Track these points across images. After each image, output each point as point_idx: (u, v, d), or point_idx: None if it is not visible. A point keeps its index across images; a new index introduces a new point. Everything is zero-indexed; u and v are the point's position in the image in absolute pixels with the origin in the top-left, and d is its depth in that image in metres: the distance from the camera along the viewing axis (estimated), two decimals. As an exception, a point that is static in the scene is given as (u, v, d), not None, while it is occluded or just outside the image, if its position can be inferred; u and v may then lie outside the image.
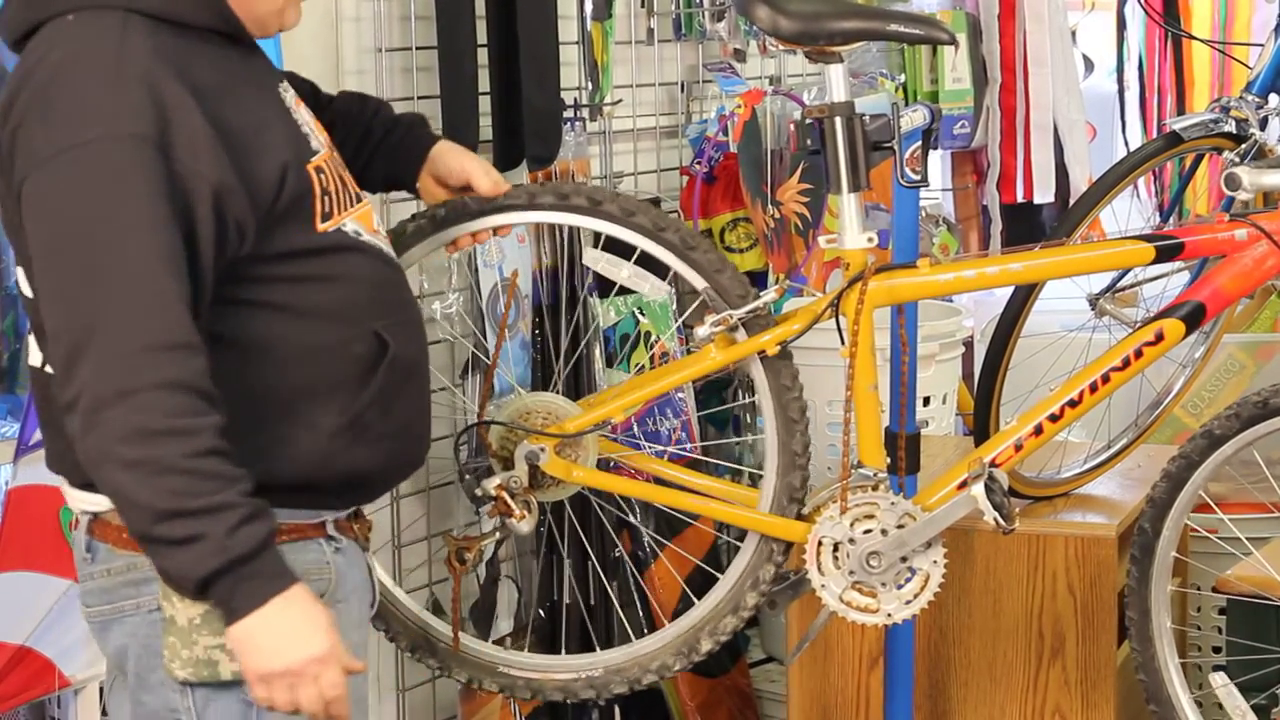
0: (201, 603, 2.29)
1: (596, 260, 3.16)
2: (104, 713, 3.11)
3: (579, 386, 3.80)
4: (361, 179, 2.71)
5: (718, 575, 3.14)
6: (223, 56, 2.38)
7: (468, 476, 3.04)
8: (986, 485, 2.95)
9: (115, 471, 2.20)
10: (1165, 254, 3.10)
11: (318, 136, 2.50)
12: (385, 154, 2.86)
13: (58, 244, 2.22)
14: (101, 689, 3.22)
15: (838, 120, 3.04)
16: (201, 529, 2.20)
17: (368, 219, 2.52)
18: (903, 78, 5.24)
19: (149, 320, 2.19)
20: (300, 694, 2.28)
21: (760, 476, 3.08)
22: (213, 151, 2.25)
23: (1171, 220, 4.93)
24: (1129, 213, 4.24)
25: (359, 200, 2.52)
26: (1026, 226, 5.46)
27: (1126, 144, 6.11)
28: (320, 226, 2.42)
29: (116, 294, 2.19)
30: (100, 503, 2.37)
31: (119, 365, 2.18)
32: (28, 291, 2.34)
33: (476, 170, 2.89)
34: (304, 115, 2.50)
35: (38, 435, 2.95)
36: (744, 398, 4.18)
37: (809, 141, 3.11)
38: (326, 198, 2.43)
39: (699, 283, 3.01)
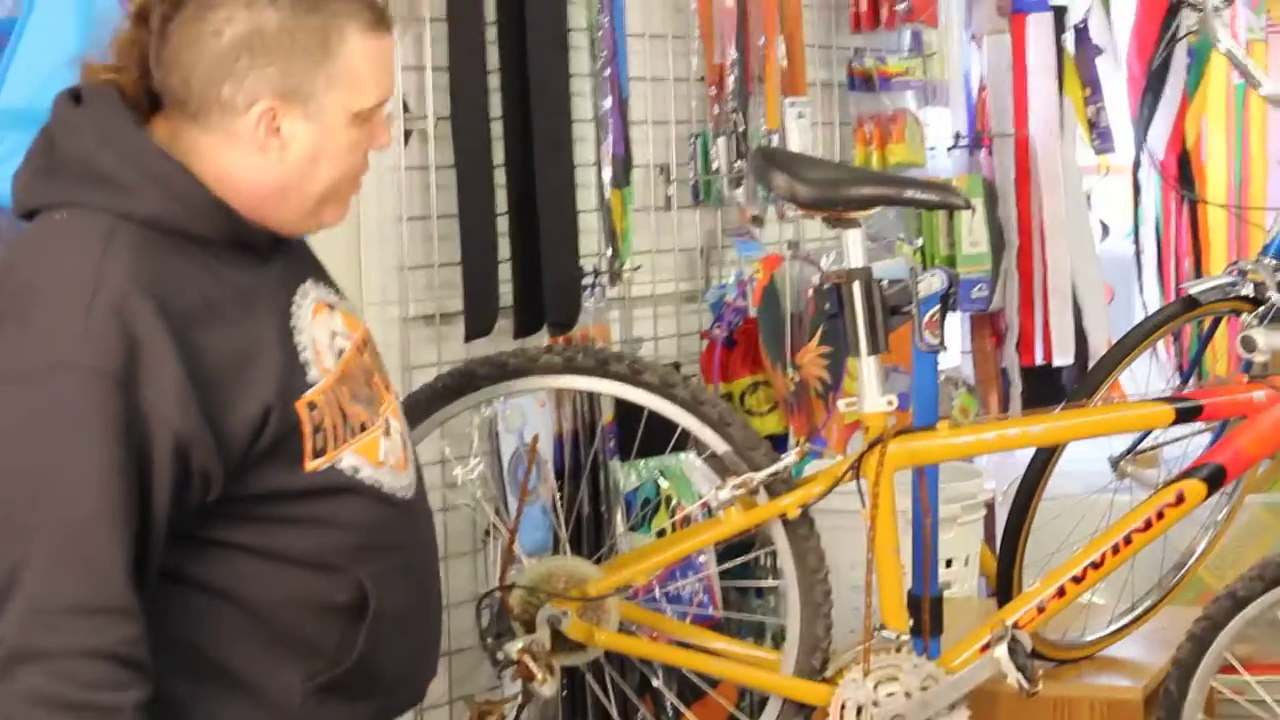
0: None
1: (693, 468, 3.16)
2: None
3: (600, 550, 3.79)
4: None
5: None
6: (221, 268, 2.21)
7: (490, 641, 3.03)
8: (1010, 647, 2.95)
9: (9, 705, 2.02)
10: (1185, 416, 3.12)
11: (327, 358, 2.28)
12: None
13: (4, 480, 2.06)
14: None
15: (856, 284, 3.07)
16: None
17: (372, 450, 2.29)
18: (920, 242, 5.27)
19: (80, 580, 2.03)
20: None
21: (783, 639, 3.07)
22: (181, 398, 2.07)
23: (1191, 382, 4.94)
24: (1149, 375, 4.25)
25: (364, 429, 2.29)
26: (1046, 388, 5.47)
27: (1144, 306, 6.13)
28: (309, 465, 2.21)
29: (50, 544, 2.03)
30: None
31: (41, 622, 2.02)
32: None
33: None
34: (318, 331, 2.30)
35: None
36: (765, 560, 4.17)
37: (828, 305, 3.14)
38: (319, 435, 2.23)
39: (720, 446, 3.02)
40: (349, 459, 2.26)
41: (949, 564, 4.07)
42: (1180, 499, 3.08)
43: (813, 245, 4.81)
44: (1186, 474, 3.10)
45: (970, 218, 5.30)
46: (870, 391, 3.08)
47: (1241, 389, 3.10)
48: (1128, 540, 3.09)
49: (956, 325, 5.57)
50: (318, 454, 2.22)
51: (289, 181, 2.25)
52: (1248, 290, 3.78)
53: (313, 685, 2.23)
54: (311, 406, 2.22)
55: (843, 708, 3.00)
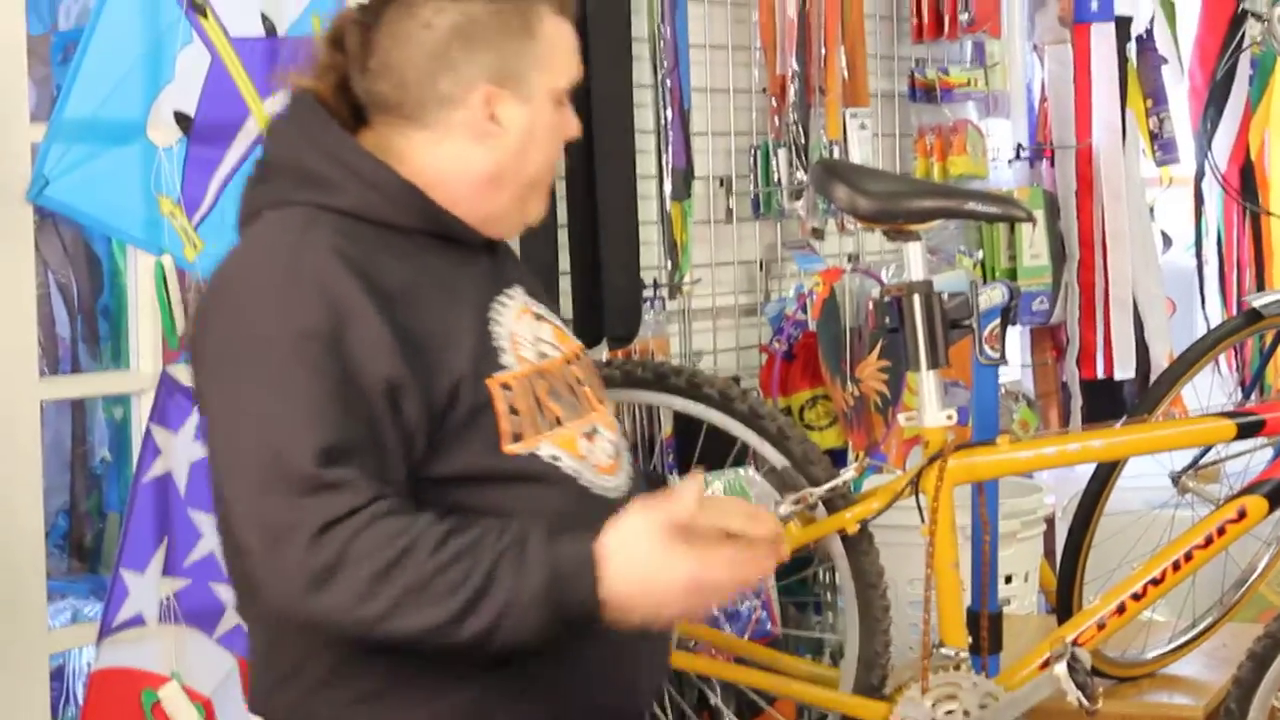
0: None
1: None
2: None
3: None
4: None
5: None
6: (425, 258, 2.26)
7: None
8: (1069, 665, 2.93)
9: (380, 618, 2.05)
10: (1247, 431, 3.10)
11: (526, 350, 2.30)
12: None
13: (232, 449, 2.13)
14: None
15: (916, 298, 3.06)
16: (498, 602, 2.06)
17: (570, 444, 2.29)
18: (981, 254, 5.26)
19: (324, 503, 2.06)
20: (732, 578, 2.14)
21: (841, 656, 3.07)
22: (389, 348, 2.13)
23: (1253, 397, 4.91)
24: (1210, 389, 4.23)
25: (559, 424, 2.29)
26: (1107, 402, 5.44)
27: (1206, 319, 6.09)
28: (507, 449, 2.22)
29: (284, 488, 2.07)
30: None
31: (309, 553, 2.05)
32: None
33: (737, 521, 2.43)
34: (519, 328, 2.32)
35: (121, 617, 2.97)
36: (825, 577, 4.16)
37: (887, 319, 3.13)
38: (515, 418, 2.23)
39: (779, 460, 3.02)
40: (548, 448, 2.26)
41: (1008, 580, 4.06)
42: (1242, 515, 3.06)
43: (873, 258, 4.81)
44: (1248, 490, 3.08)
45: (1031, 230, 5.29)
46: (930, 406, 3.07)
47: (1304, 405, 3.08)
48: (1188, 557, 3.08)
49: (1017, 339, 5.55)
50: (516, 438, 2.23)
51: (505, 167, 2.31)
52: (1311, 304, 3.76)
53: (505, 673, 2.20)
54: (505, 387, 2.24)
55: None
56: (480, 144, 2.29)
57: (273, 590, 2.09)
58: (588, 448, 2.32)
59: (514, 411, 2.24)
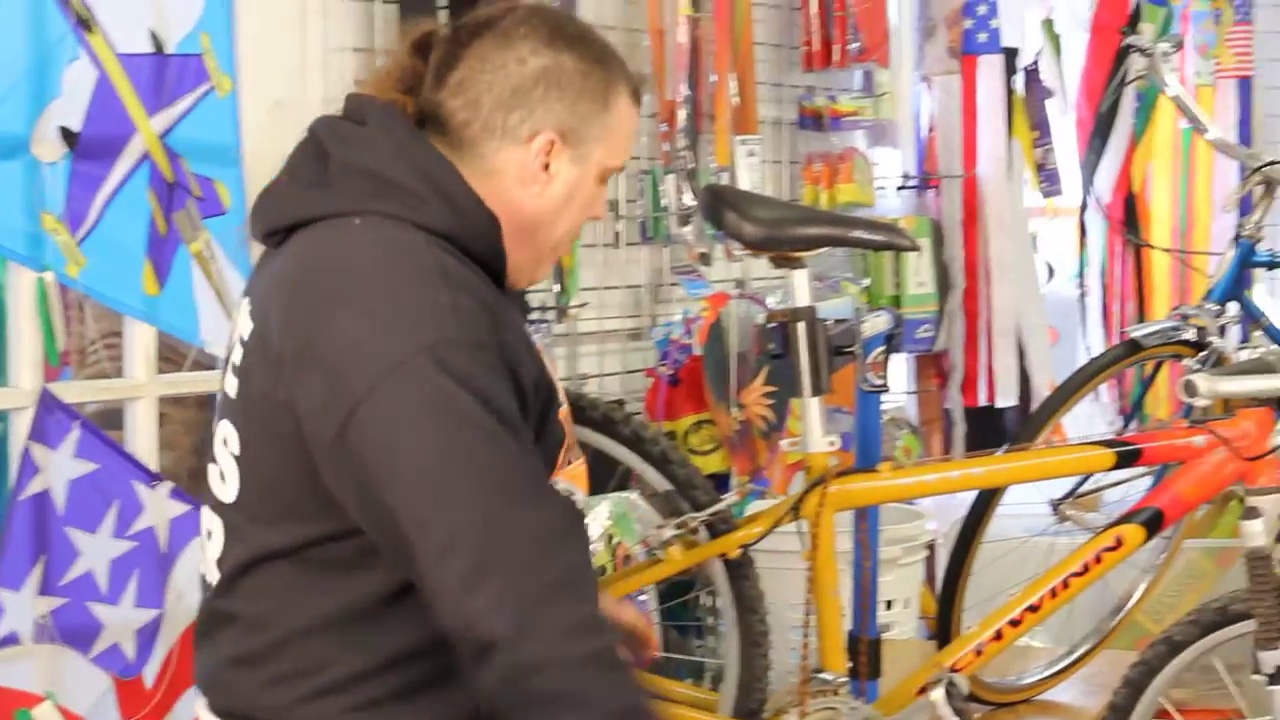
0: None
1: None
2: None
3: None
4: None
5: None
6: (494, 290, 2.22)
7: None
8: (947, 690, 2.95)
9: (557, 674, 2.01)
10: (1125, 460, 3.13)
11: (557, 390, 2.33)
12: None
13: (428, 463, 2.04)
14: None
15: (801, 324, 3.08)
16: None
17: (580, 478, 2.36)
18: (866, 282, 5.30)
19: (540, 513, 2.05)
20: None
21: (721, 679, 3.08)
22: (529, 353, 2.18)
23: (1132, 425, 4.96)
24: (1091, 417, 4.28)
25: (572, 460, 2.34)
26: (989, 430, 5.49)
27: (1088, 349, 6.16)
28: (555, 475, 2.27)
29: (504, 496, 2.04)
30: None
31: (528, 564, 2.02)
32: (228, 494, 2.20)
33: None
34: (549, 365, 2.34)
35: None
36: (706, 601, 4.17)
37: (772, 345, 3.14)
38: (566, 450, 2.30)
39: (662, 485, 3.03)
40: (563, 484, 2.29)
41: (889, 605, 4.08)
42: (1119, 543, 3.09)
43: (759, 284, 4.83)
44: (1125, 518, 3.12)
45: (917, 258, 5.33)
46: (813, 432, 3.08)
47: (1181, 434, 3.12)
48: (1066, 584, 3.10)
49: (901, 366, 5.59)
50: (558, 466, 2.28)
51: (541, 219, 2.30)
52: (1190, 335, 3.81)
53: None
54: (563, 423, 2.29)
55: (780, 749, 3.01)
56: (524, 188, 2.27)
57: (509, 592, 2.02)
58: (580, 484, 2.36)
59: (567, 446, 2.29)
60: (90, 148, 3.04)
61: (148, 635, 3.16)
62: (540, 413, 2.21)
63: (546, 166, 2.27)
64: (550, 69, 2.26)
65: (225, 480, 2.21)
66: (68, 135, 3.02)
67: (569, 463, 2.32)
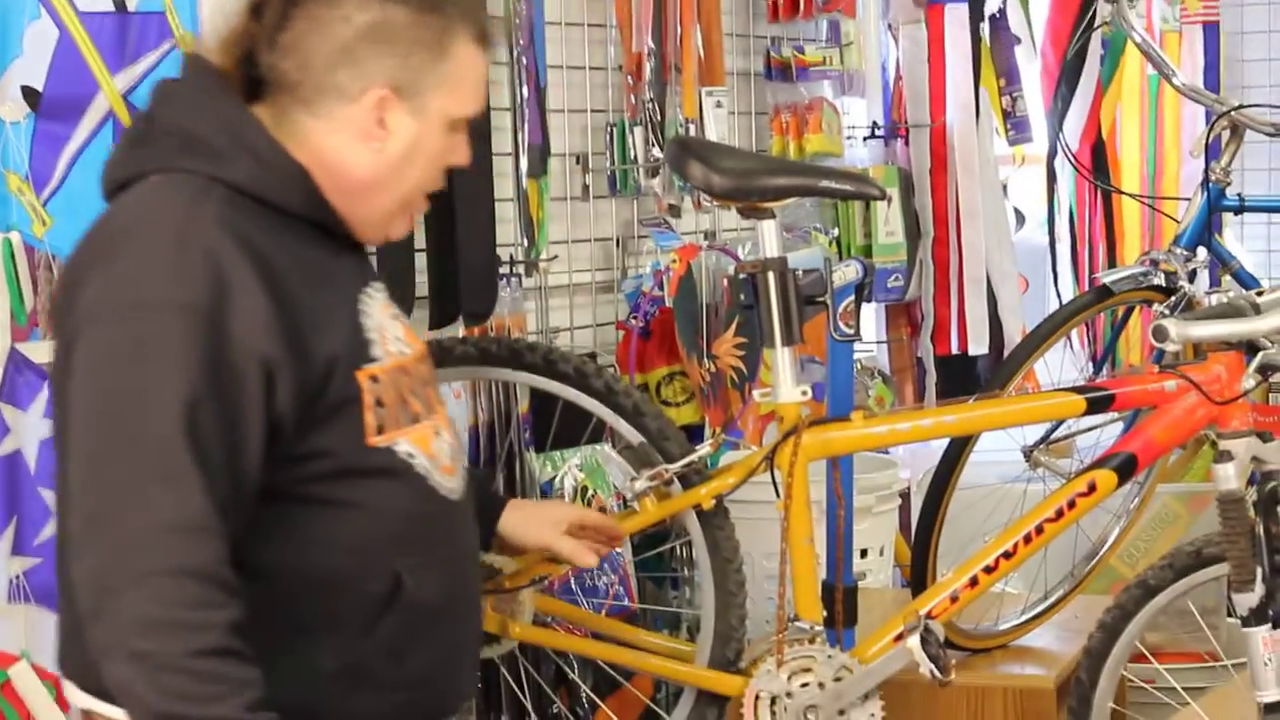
0: None
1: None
2: None
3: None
4: None
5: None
6: (303, 244, 2.27)
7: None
8: (922, 637, 2.96)
9: (119, 662, 2.06)
10: (1096, 406, 3.13)
11: (391, 345, 2.33)
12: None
13: (92, 409, 2.12)
14: None
15: (771, 275, 3.07)
16: None
17: (425, 441, 2.33)
18: (836, 232, 5.29)
19: (164, 501, 2.07)
20: None
21: (698, 630, 3.08)
22: (268, 327, 2.14)
23: (1104, 371, 4.97)
24: (1062, 364, 4.28)
25: (418, 420, 2.33)
26: (961, 378, 5.50)
27: (1059, 295, 6.17)
28: (370, 440, 2.26)
29: (134, 468, 2.08)
30: (98, 706, 2.24)
31: (129, 547, 2.06)
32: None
33: (553, 539, 2.91)
34: (386, 322, 2.35)
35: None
36: (681, 552, 4.17)
37: (743, 296, 3.13)
38: (381, 410, 2.26)
39: (635, 437, 3.02)
40: (405, 444, 2.29)
41: (864, 554, 4.09)
42: (1092, 488, 3.10)
43: (729, 235, 4.82)
44: (1098, 463, 3.12)
45: (886, 208, 5.32)
46: (785, 382, 3.08)
47: (1153, 379, 3.12)
48: (1040, 530, 3.11)
49: (872, 315, 5.59)
50: (379, 430, 2.26)
51: (382, 176, 2.32)
52: (1160, 280, 3.82)
53: (339, 668, 2.25)
54: (374, 379, 2.26)
55: (756, 699, 3.01)
56: (364, 144, 2.30)
57: (91, 562, 2.09)
58: (437, 446, 2.35)
59: (380, 404, 2.26)
60: (53, 107, 3.02)
61: (121, 595, 3.15)
62: (331, 376, 2.20)
63: (383, 122, 2.29)
64: (378, 24, 2.27)
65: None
66: (30, 95, 3.00)
67: (413, 421, 2.31)
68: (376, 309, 2.34)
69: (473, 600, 2.48)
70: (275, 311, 2.15)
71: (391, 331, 2.35)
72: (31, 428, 3.01)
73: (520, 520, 2.90)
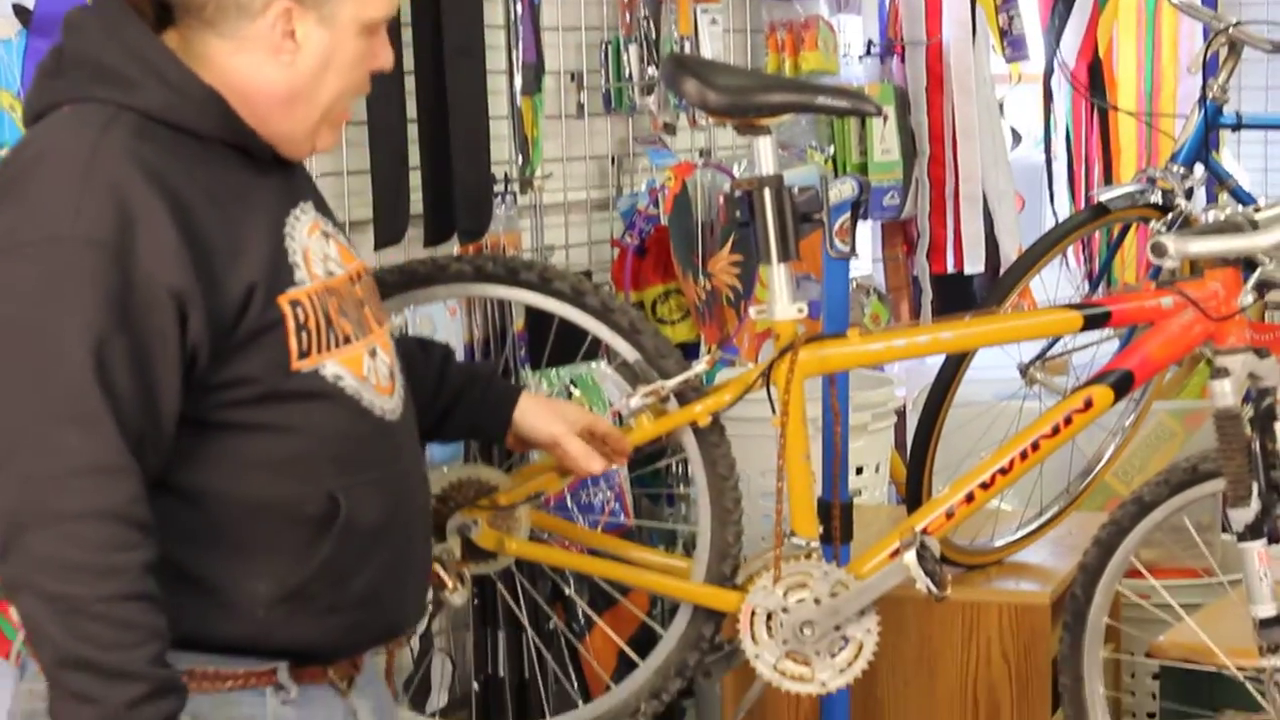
0: None
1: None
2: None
3: (511, 459, 3.80)
4: (439, 428, 2.70)
5: (654, 644, 3.13)
6: (222, 167, 2.24)
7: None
8: (918, 553, 2.96)
9: (29, 600, 2.05)
10: (1093, 322, 3.13)
11: (317, 267, 2.29)
12: (468, 407, 2.78)
13: None
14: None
15: (766, 192, 3.06)
16: (99, 692, 2.04)
17: (355, 363, 2.29)
18: (832, 150, 5.28)
19: (75, 441, 2.05)
20: None
21: (694, 547, 3.08)
22: (177, 258, 2.10)
23: (1100, 289, 4.97)
24: (1058, 282, 4.28)
25: (348, 341, 2.29)
26: (957, 296, 5.50)
27: (1055, 214, 6.16)
28: (294, 365, 2.22)
29: (43, 408, 2.06)
30: None
31: (40, 488, 2.05)
32: None
33: (565, 437, 2.86)
34: (313, 243, 2.31)
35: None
36: (677, 469, 4.18)
37: (738, 213, 3.12)
38: (304, 334, 2.23)
39: (630, 354, 3.02)
40: (332, 366, 2.26)
41: (859, 471, 4.10)
42: (1088, 405, 3.09)
43: (724, 153, 4.81)
44: (1094, 380, 3.12)
45: (882, 125, 5.31)
46: (781, 299, 3.07)
47: (1149, 295, 3.11)
48: (1035, 446, 3.11)
49: (868, 233, 5.58)
50: (303, 354, 2.23)
51: (298, 89, 2.28)
52: (1157, 197, 3.81)
53: (279, 594, 2.23)
54: (295, 304, 2.23)
55: (753, 614, 3.01)
56: (275, 60, 2.26)
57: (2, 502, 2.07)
58: (370, 366, 2.32)
59: (303, 329, 2.23)
60: (45, 24, 3.00)
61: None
62: (248, 303, 2.17)
63: (291, 34, 2.25)
64: None
65: None
66: (21, 12, 2.99)
67: (342, 343, 2.28)
68: (302, 231, 2.31)
69: (416, 519, 2.43)
70: (184, 243, 2.12)
71: (319, 251, 2.31)
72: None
73: (536, 410, 2.85)
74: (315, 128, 2.33)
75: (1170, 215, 3.79)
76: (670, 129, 4.50)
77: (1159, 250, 2.97)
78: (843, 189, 3.24)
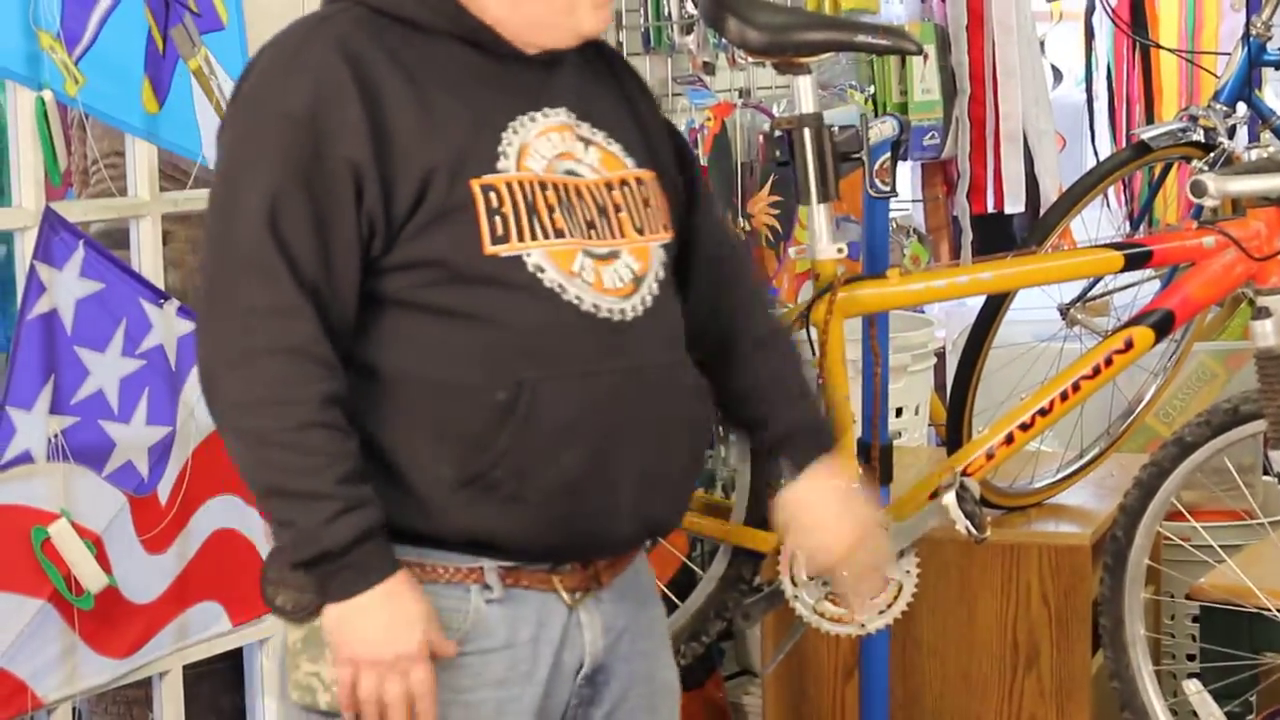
0: (300, 625, 2.24)
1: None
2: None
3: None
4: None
5: (693, 586, 3.14)
6: (445, 57, 2.27)
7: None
8: (958, 494, 2.96)
9: (230, 438, 2.21)
10: (1134, 262, 3.12)
11: (529, 161, 2.27)
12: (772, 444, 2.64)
13: (212, 193, 2.27)
14: (75, 710, 3.22)
15: (806, 131, 3.05)
16: (294, 515, 2.18)
17: (564, 259, 2.25)
18: (872, 89, 5.26)
19: (253, 288, 2.18)
20: (386, 688, 2.19)
21: (734, 488, 3.08)
22: (356, 135, 2.19)
23: (1141, 229, 4.95)
24: (1099, 222, 4.26)
25: (561, 235, 2.25)
26: (997, 236, 5.47)
27: (1096, 153, 6.13)
28: (488, 249, 2.21)
29: (231, 257, 2.20)
30: None
31: (226, 330, 2.19)
32: None
33: (845, 560, 2.58)
34: (538, 143, 2.29)
35: (8, 455, 2.95)
36: (717, 411, 4.17)
37: (778, 153, 3.11)
38: (498, 218, 2.21)
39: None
40: (538, 256, 2.24)
41: (899, 413, 4.09)
42: (1129, 345, 3.08)
43: (764, 93, 4.79)
44: (1135, 320, 3.10)
45: (922, 64, 5.28)
46: (820, 239, 3.07)
47: (1191, 235, 3.10)
48: (1076, 387, 3.10)
49: (908, 173, 5.56)
50: (497, 239, 2.22)
51: None
52: (1198, 136, 3.78)
53: (461, 478, 2.23)
54: (488, 189, 2.23)
55: (792, 555, 3.01)
56: None
57: (200, 350, 2.24)
58: (589, 266, 2.27)
59: (497, 213, 2.22)
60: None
61: (160, 453, 3.17)
62: (428, 184, 2.22)
63: None
64: None
65: None
66: (62, -46, 2.98)
67: (555, 235, 2.24)
68: (533, 131, 2.28)
69: (642, 423, 2.30)
70: (368, 121, 2.20)
71: (550, 151, 2.29)
72: (67, 287, 3.01)
73: (811, 501, 2.57)
74: (570, 7, 2.30)
75: (1212, 154, 3.76)
76: (710, 68, 4.48)
77: (1199, 189, 2.95)
78: (883, 128, 3.23)
